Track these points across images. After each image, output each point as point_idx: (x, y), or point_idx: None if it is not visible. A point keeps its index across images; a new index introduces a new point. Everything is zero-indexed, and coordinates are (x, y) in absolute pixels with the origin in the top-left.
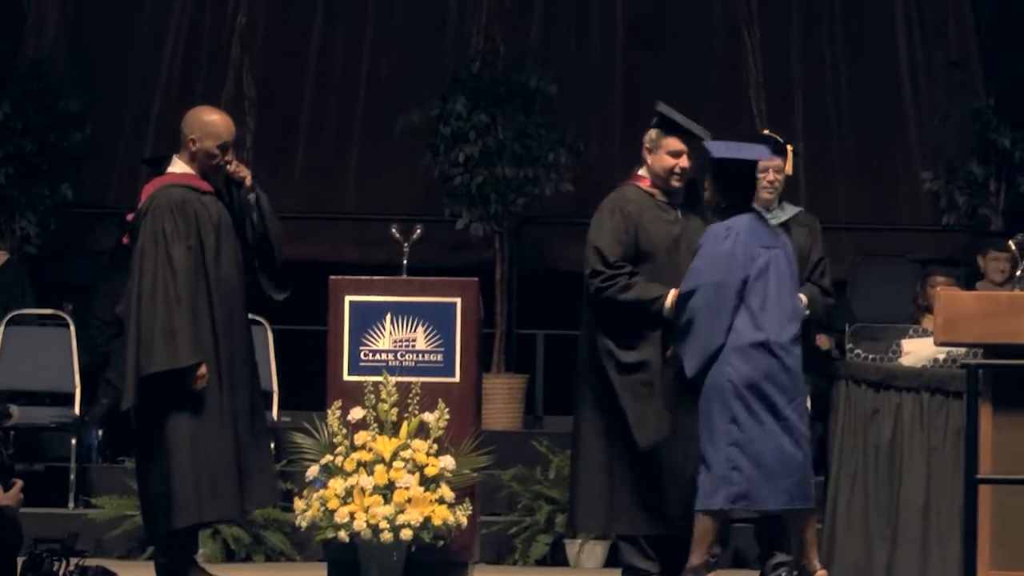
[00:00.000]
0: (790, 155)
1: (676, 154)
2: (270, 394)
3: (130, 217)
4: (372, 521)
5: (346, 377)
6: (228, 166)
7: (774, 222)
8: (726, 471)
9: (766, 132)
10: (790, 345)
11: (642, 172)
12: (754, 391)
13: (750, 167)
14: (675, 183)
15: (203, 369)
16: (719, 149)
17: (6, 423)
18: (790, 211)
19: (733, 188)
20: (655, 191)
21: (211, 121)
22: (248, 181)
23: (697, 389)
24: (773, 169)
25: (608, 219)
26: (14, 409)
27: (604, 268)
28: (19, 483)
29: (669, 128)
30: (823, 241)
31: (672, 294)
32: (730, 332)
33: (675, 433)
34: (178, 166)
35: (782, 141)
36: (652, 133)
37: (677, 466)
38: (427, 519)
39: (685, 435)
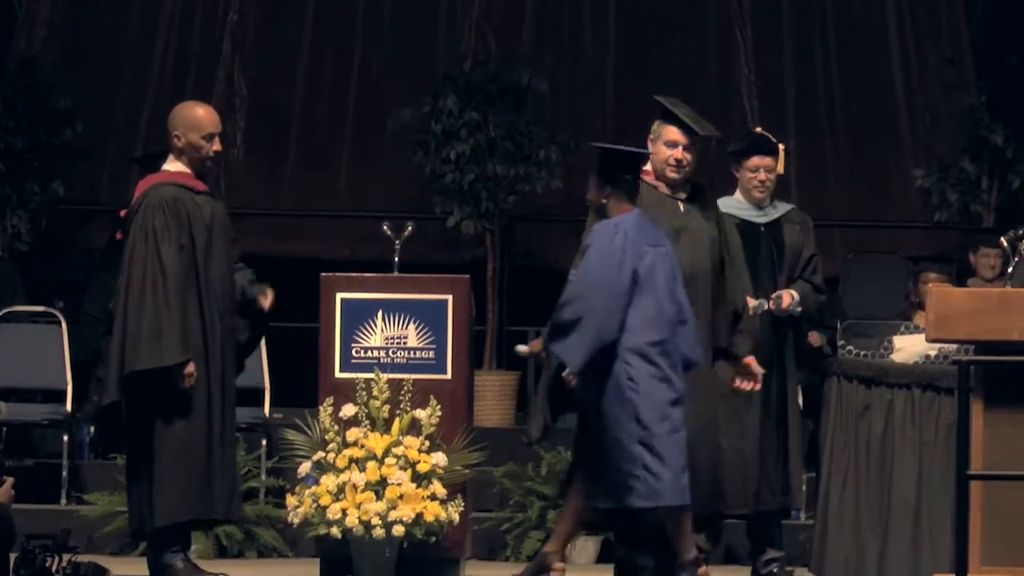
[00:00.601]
0: (782, 154)
1: (672, 144)
2: (262, 390)
3: (123, 213)
4: (364, 517)
5: (338, 374)
6: (261, 300)
7: (766, 220)
8: (635, 470)
9: (758, 130)
10: (677, 346)
11: (647, 166)
12: (655, 390)
13: (635, 161)
14: (671, 174)
15: (191, 367)
16: (603, 144)
17: None
18: (782, 208)
19: (618, 184)
20: (658, 183)
21: (192, 115)
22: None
23: (581, 382)
24: (764, 168)
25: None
26: (2, 406)
27: None
28: (10, 480)
29: (668, 119)
30: (815, 238)
31: None
32: (624, 330)
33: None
34: (172, 165)
35: (774, 140)
36: (655, 124)
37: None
38: (419, 515)
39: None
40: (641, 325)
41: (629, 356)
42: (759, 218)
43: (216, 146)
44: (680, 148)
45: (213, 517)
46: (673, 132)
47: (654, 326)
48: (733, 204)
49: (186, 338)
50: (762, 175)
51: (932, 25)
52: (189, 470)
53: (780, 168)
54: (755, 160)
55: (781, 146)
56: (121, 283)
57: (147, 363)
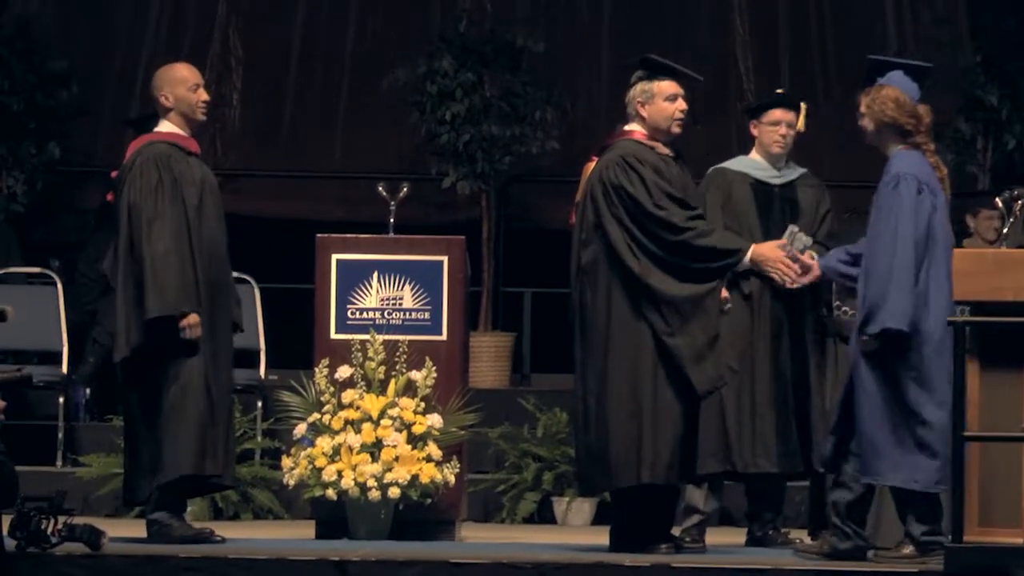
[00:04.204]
0: (803, 112)
1: (673, 98)
2: (257, 352)
3: (115, 175)
4: (360, 479)
5: (333, 335)
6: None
7: (780, 181)
8: None
9: (780, 91)
10: None
11: (634, 127)
12: None
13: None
14: (676, 129)
15: (194, 318)
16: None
17: None
18: (796, 171)
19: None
20: (654, 143)
21: (173, 71)
22: None
23: None
24: (786, 123)
25: (641, 166)
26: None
27: (679, 209)
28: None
29: (661, 74)
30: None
31: (752, 249)
32: None
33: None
34: (164, 126)
35: (795, 100)
36: (642, 86)
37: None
38: (414, 477)
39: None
40: None
41: None
42: (774, 179)
43: (203, 96)
44: (680, 99)
45: (210, 473)
46: (671, 86)
47: None
48: (748, 163)
49: (186, 289)
50: (783, 129)
51: None
52: (186, 430)
53: (801, 125)
54: (777, 114)
55: (803, 105)
56: (119, 239)
57: (153, 311)
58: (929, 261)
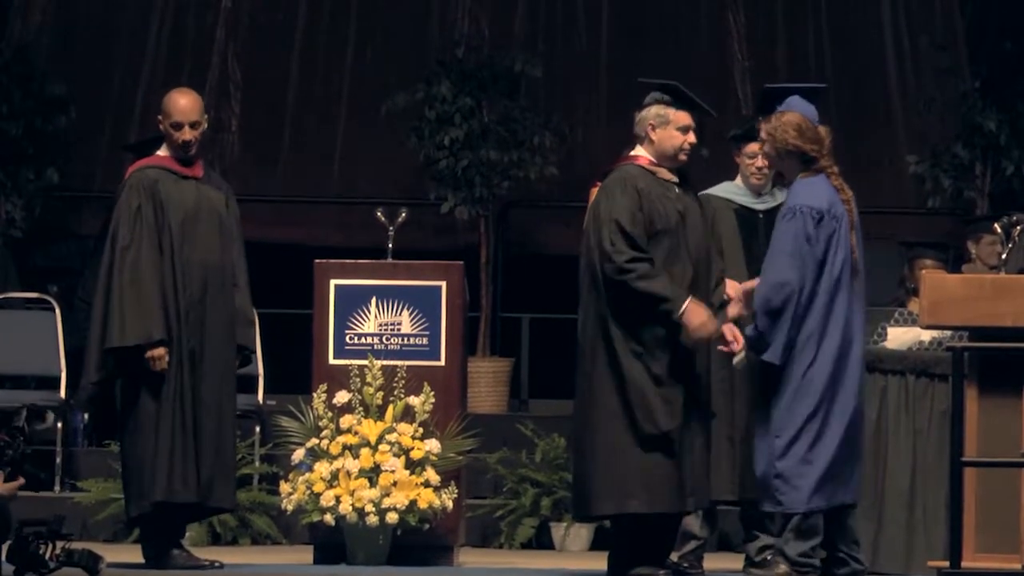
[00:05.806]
0: None
1: (685, 129)
2: (255, 377)
3: None
4: (358, 504)
5: (331, 361)
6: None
7: (764, 207)
8: None
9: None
10: None
11: (640, 151)
12: None
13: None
14: (683, 158)
15: (159, 351)
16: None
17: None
18: (781, 196)
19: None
20: (658, 169)
21: (167, 102)
22: None
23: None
24: (762, 155)
25: (621, 195)
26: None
27: (627, 248)
28: (20, 481)
29: (680, 103)
30: None
31: (688, 303)
32: None
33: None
34: (161, 150)
35: None
36: (658, 109)
37: (692, 446)
38: (413, 502)
39: (703, 416)
40: None
41: None
42: (757, 205)
43: (184, 135)
44: (692, 132)
45: (182, 501)
46: (686, 117)
47: None
48: (732, 190)
49: (150, 319)
50: (759, 161)
51: (925, 10)
52: (148, 457)
53: None
54: (753, 146)
55: None
56: (104, 264)
57: (112, 342)
58: (824, 284)
